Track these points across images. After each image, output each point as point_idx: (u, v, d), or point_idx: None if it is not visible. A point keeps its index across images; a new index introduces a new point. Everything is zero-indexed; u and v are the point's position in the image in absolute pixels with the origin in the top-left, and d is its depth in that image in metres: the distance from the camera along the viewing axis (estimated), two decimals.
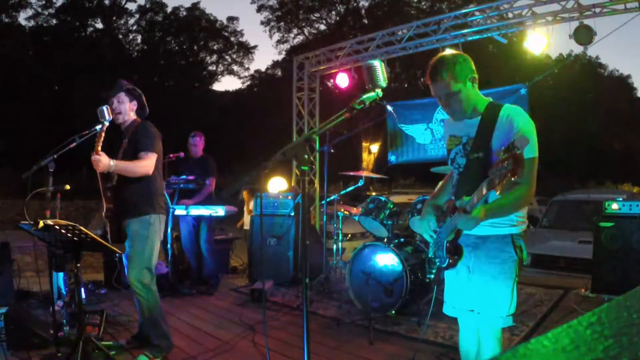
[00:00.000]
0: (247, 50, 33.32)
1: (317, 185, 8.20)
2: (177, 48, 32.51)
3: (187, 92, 28.40)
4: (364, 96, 1.89)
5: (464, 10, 6.46)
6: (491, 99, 2.09)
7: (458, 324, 2.28)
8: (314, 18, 30.02)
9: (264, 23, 30.22)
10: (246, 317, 4.17)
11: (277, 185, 6.14)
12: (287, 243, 5.41)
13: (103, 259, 5.41)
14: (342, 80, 7.59)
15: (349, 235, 7.17)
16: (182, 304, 4.61)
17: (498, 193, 1.70)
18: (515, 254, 2.01)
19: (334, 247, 5.19)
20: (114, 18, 30.35)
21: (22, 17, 40.67)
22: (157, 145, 3.09)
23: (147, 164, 2.99)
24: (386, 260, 4.08)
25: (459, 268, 2.10)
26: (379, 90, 1.91)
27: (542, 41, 5.65)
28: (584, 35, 5.37)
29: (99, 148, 2.78)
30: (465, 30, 6.32)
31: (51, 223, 2.45)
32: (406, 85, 28.12)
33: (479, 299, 2.05)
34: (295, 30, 30.43)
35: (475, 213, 1.80)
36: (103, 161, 2.77)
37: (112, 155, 3.10)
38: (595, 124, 26.09)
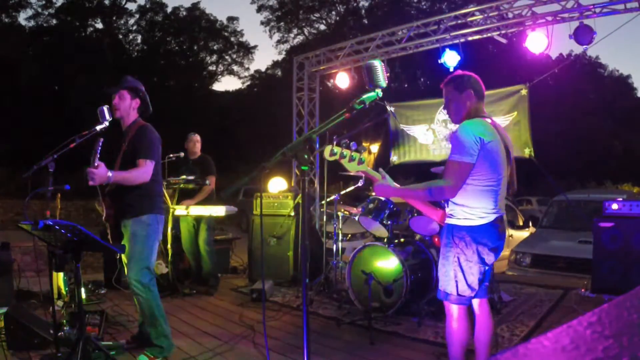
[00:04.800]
0: (247, 50, 33.38)
1: (317, 185, 8.20)
2: (177, 48, 32.54)
3: (187, 92, 28.40)
4: (364, 96, 1.88)
5: (464, 10, 6.45)
6: None
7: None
8: (314, 18, 30.06)
9: (264, 23, 30.30)
10: (246, 317, 4.17)
11: (277, 185, 6.13)
12: (287, 243, 5.41)
13: (103, 259, 5.42)
14: (342, 80, 7.59)
15: (349, 235, 7.16)
16: (182, 304, 4.61)
17: None
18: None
19: (334, 247, 5.18)
20: (114, 18, 30.38)
21: (22, 17, 40.78)
22: (156, 152, 3.09)
23: (144, 171, 2.98)
24: (386, 260, 4.08)
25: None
26: (379, 90, 1.90)
27: (542, 41, 5.64)
28: (584, 35, 5.36)
29: (96, 163, 2.70)
30: (465, 30, 6.31)
31: (51, 223, 2.44)
32: (406, 85, 28.13)
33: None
34: (295, 30, 30.49)
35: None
36: (100, 173, 2.70)
37: (111, 157, 3.10)
38: (595, 124, 26.08)
